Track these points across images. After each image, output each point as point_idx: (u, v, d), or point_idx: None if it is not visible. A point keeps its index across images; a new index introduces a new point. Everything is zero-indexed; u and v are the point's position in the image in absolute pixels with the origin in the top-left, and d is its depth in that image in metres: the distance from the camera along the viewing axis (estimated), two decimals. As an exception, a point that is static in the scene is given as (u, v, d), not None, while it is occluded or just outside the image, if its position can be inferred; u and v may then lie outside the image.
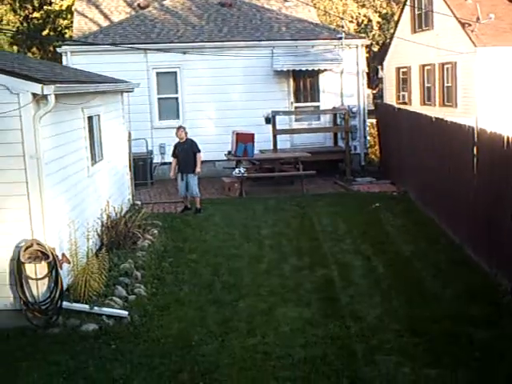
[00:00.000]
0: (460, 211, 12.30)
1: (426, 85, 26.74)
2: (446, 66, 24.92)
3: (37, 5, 37.14)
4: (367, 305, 9.67)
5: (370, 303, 9.74)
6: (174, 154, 15.65)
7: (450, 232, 12.83)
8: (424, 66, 26.71)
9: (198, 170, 15.40)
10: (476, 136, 11.47)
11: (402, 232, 13.44)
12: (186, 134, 15.71)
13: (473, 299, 9.69)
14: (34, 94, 8.64)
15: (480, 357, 7.90)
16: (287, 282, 10.70)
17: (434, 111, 22.04)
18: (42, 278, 9.00)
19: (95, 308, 9.18)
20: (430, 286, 10.40)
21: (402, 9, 29.24)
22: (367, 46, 23.65)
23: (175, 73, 20.54)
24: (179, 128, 15.77)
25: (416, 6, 27.16)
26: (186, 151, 15.43)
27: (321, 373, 7.62)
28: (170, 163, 19.12)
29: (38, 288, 9.00)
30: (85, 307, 9.18)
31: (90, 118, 11.94)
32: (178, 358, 8.03)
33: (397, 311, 9.43)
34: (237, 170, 17.66)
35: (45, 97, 8.68)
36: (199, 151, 15.54)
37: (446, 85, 25.05)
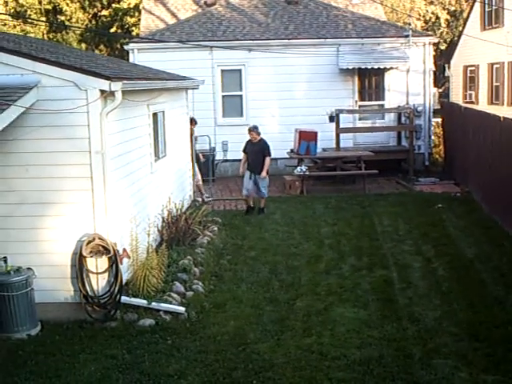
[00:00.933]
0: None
1: (495, 84, 26.16)
2: (515, 65, 24.33)
3: (105, 3, 37.76)
4: (426, 307, 9.52)
5: (428, 305, 9.59)
6: (245, 151, 15.51)
7: (515, 235, 12.55)
8: (493, 64, 26.13)
9: (263, 174, 15.11)
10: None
11: (464, 234, 13.19)
12: (258, 134, 15.42)
13: (537, 305, 9.46)
14: (102, 91, 8.77)
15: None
16: (345, 282, 10.62)
17: (502, 111, 21.54)
18: (103, 273, 9.14)
19: (153, 303, 9.28)
20: (492, 290, 10.17)
21: (472, 6, 28.66)
22: (434, 44, 23.19)
23: (240, 70, 20.60)
24: (252, 130, 15.46)
25: (486, 2, 26.59)
26: (257, 152, 15.19)
27: (375, 375, 7.53)
28: (233, 160, 19.35)
29: (98, 282, 9.14)
30: (143, 302, 9.28)
31: (154, 115, 12.08)
32: (233, 355, 8.05)
33: (456, 314, 9.25)
34: (298, 168, 17.62)
35: (112, 93, 8.80)
36: (269, 155, 15.24)
37: (515, 84, 24.47)
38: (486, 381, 7.34)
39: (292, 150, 18.53)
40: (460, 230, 13.53)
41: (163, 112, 12.84)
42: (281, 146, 18.90)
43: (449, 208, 15.22)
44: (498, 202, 14.03)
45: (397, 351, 8.12)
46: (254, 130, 15.44)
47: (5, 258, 8.80)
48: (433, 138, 21.74)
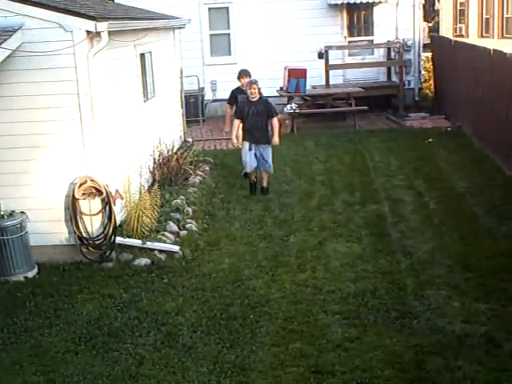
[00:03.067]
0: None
1: (485, 16, 25.90)
2: (505, -4, 24.07)
3: None
4: (418, 240, 9.63)
5: (421, 239, 9.69)
6: (240, 114, 11.98)
7: (506, 168, 12.58)
8: (482, -4, 25.87)
9: (275, 140, 12.00)
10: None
11: (455, 168, 13.24)
12: (259, 90, 12.02)
13: (528, 235, 9.57)
14: (88, 32, 8.65)
15: (534, 293, 7.83)
16: (338, 218, 10.70)
17: (492, 43, 21.37)
18: (96, 214, 9.17)
19: (147, 243, 9.34)
20: (484, 223, 10.26)
21: None
22: (423, -23, 22.90)
23: (227, 8, 20.30)
24: (252, 83, 11.99)
25: None
26: (260, 114, 11.81)
27: (370, 307, 7.66)
28: (222, 100, 19.20)
29: (92, 224, 9.18)
30: (137, 242, 9.34)
31: (142, 55, 11.94)
32: (229, 291, 8.15)
33: (448, 247, 9.36)
34: (288, 106, 17.53)
35: (98, 34, 8.68)
36: (276, 114, 12.20)
37: (505, 16, 24.22)
38: (478, 309, 7.47)
39: (281, 88, 18.41)
40: (451, 164, 13.57)
41: (150, 52, 12.69)
42: (270, 84, 18.72)
43: (440, 142, 15.23)
44: (488, 135, 14.05)
45: (390, 283, 8.23)
46: (255, 82, 12.07)
47: (-2, 202, 8.81)
48: (423, 72, 21.61)
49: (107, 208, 9.15)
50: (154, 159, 12.12)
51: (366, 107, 17.67)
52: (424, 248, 9.33)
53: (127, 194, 9.91)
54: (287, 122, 17.38)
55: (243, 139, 11.98)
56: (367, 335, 7.06)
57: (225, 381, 6.31)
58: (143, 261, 9.14)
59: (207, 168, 13.35)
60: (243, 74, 13.11)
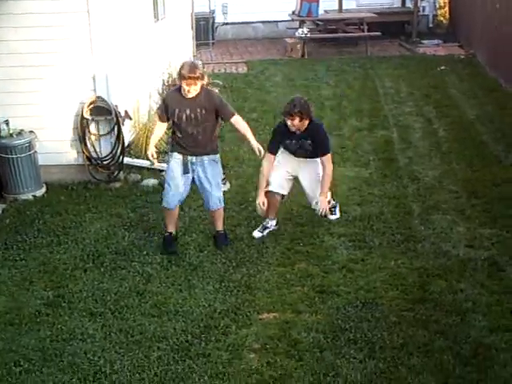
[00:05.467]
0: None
1: None
2: None
3: None
4: (426, 166, 9.62)
5: (428, 165, 9.68)
6: (166, 117, 7.25)
7: (518, 96, 12.47)
8: None
9: (254, 145, 7.26)
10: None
11: (467, 96, 13.10)
12: (203, 79, 7.13)
13: (536, 163, 9.55)
14: None
15: (538, 219, 7.87)
16: (346, 143, 10.67)
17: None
18: (105, 134, 9.18)
19: (155, 164, 9.33)
20: (492, 150, 10.23)
21: None
22: None
23: None
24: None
25: None
26: (202, 116, 7.09)
27: (375, 229, 7.73)
28: (233, 23, 18.99)
29: (101, 144, 9.20)
30: (146, 163, 9.36)
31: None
32: (235, 213, 8.22)
33: (456, 173, 9.36)
34: (300, 30, 17.27)
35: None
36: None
37: None
38: (482, 234, 7.53)
39: (293, 12, 18.11)
40: (463, 92, 13.43)
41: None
42: (282, 8, 18.43)
43: (452, 70, 15.04)
44: (503, 63, 13.85)
45: (396, 208, 8.28)
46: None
47: (6, 121, 8.80)
48: (438, -2, 21.17)
49: (116, 128, 9.14)
50: (164, 81, 12.04)
51: (378, 33, 17.39)
52: (431, 174, 9.34)
53: (136, 115, 9.89)
54: (298, 46, 17.16)
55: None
56: (372, 257, 7.15)
57: (230, 299, 6.42)
58: (151, 181, 9.19)
59: (216, 91, 13.23)
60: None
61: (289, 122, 7.28)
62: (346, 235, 7.61)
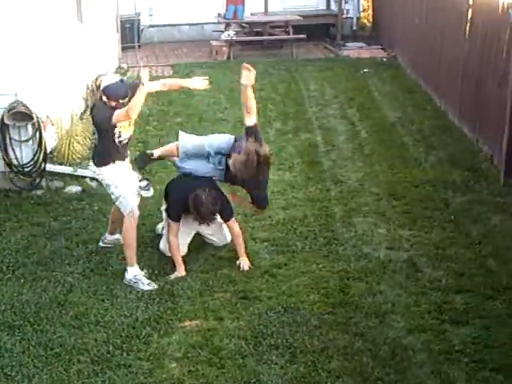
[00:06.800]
0: (449, 77, 12.17)
1: None
2: None
3: None
4: (349, 169, 9.79)
5: (351, 167, 9.85)
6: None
7: (437, 99, 12.76)
8: None
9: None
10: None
11: (389, 98, 13.35)
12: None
13: (454, 165, 9.82)
14: None
15: (455, 219, 8.10)
16: (271, 146, 10.54)
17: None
18: (26, 141, 9.01)
19: (79, 170, 9.27)
20: (413, 152, 10.47)
21: None
22: None
23: None
24: None
25: None
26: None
27: (299, 233, 7.82)
28: (159, 26, 18.87)
29: (22, 150, 9.03)
30: (68, 169, 9.27)
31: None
32: (159, 219, 8.14)
33: (378, 176, 9.55)
34: (226, 33, 17.31)
35: None
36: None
37: None
38: (402, 235, 7.73)
39: (219, 15, 18.14)
40: (385, 94, 13.68)
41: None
42: (208, 10, 18.43)
43: (375, 73, 15.29)
44: (422, 65, 14.17)
45: (319, 211, 8.40)
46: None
47: None
48: (362, 1, 21.47)
49: (37, 134, 8.99)
50: (87, 85, 11.90)
51: (303, 36, 17.57)
52: (354, 176, 9.50)
53: (58, 121, 9.76)
54: (224, 49, 17.19)
55: None
56: (295, 261, 7.24)
57: (152, 307, 6.40)
58: (74, 188, 9.09)
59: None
60: None
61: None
62: (269, 240, 7.68)
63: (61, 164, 9.46)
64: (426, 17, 13.93)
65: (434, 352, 5.71)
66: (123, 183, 6.94)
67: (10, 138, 8.93)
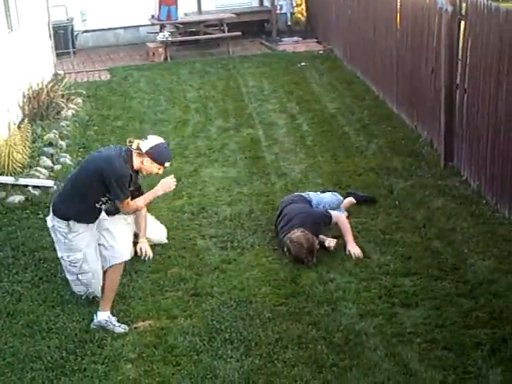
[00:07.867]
0: (384, 67, 12.36)
1: None
2: None
3: None
4: (292, 161, 9.87)
5: (294, 160, 9.93)
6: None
7: (375, 88, 12.95)
8: None
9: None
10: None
11: (327, 90, 13.49)
12: None
13: (395, 151, 9.98)
14: None
15: (399, 205, 8.23)
16: (213, 144, 10.78)
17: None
18: (-37, 153, 8.86)
19: (20, 179, 9.11)
20: (354, 141, 10.60)
21: None
22: None
23: None
24: None
25: None
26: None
27: (246, 228, 7.85)
28: (93, 31, 18.65)
29: (-40, 162, 8.87)
30: (10, 179, 9.09)
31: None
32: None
33: (321, 166, 9.65)
34: (161, 34, 17.23)
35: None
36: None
37: None
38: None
39: (153, 16, 18.06)
40: (323, 86, 13.82)
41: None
42: (142, 12, 18.31)
43: (312, 66, 15.43)
44: (358, 57, 14.35)
45: (265, 205, 8.44)
46: None
47: None
48: (295, -4, 21.62)
49: (-26, 146, 8.84)
50: (23, 93, 11.73)
51: (239, 33, 17.62)
52: (297, 168, 9.58)
53: (-5, 131, 9.60)
54: (160, 50, 17.13)
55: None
56: (244, 256, 7.26)
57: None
58: (17, 198, 8.92)
59: (80, 100, 13.05)
60: None
61: None
62: (217, 236, 7.69)
63: (1, 174, 9.29)
64: (358, 8, 14.13)
65: (387, 335, 5.80)
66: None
67: None
